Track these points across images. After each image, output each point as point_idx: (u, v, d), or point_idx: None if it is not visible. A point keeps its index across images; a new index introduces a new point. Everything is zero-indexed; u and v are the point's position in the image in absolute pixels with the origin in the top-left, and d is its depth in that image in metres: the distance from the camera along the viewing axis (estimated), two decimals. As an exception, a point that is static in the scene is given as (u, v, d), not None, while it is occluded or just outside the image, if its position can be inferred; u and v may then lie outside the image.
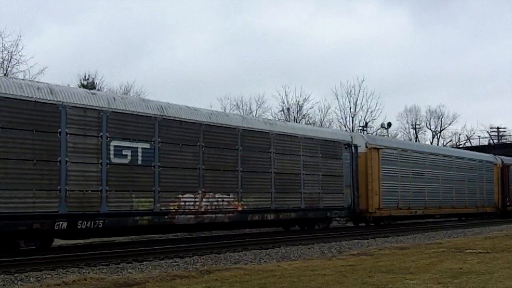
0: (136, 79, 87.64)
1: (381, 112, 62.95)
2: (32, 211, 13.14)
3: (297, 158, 21.04)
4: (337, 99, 59.48)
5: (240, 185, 18.52)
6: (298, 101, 50.57)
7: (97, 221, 14.47)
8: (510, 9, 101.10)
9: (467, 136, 67.94)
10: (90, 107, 14.52)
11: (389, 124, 50.17)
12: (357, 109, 52.13)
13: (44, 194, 13.36)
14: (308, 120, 50.06)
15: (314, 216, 21.85)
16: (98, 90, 37.95)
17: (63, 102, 13.95)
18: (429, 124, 66.66)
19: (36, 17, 72.66)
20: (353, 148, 24.00)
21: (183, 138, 16.81)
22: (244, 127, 18.93)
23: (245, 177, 18.74)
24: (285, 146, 20.53)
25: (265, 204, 19.46)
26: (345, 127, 51.01)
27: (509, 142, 60.85)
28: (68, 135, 13.97)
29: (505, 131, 68.06)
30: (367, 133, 51.61)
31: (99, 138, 14.67)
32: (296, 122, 46.12)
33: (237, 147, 18.56)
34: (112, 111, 15.02)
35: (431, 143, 63.57)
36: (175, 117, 16.67)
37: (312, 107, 65.53)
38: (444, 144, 64.74)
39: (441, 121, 66.40)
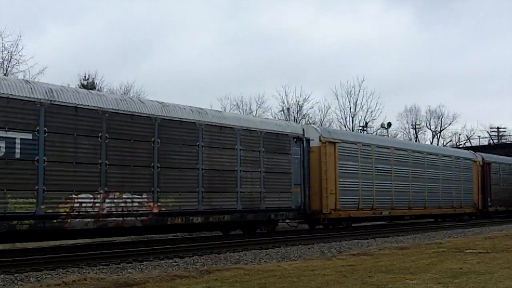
0: (137, 79, 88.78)
1: (381, 112, 62.82)
2: None
3: (233, 153, 18.46)
4: (337, 99, 59.12)
5: (157, 184, 15.94)
6: (298, 101, 50.48)
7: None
8: (510, 9, 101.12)
9: (467, 136, 67.90)
10: None
11: (389, 124, 50.10)
12: (357, 109, 52.06)
13: None
14: (308, 120, 49.99)
15: (254, 218, 19.28)
16: (98, 90, 37.55)
17: None
18: (429, 124, 66.58)
19: (37, 17, 72.99)
20: (304, 142, 21.43)
21: (79, 127, 14.21)
22: (163, 116, 16.35)
23: (164, 174, 16.16)
24: (218, 138, 17.96)
25: (190, 205, 16.89)
26: (345, 127, 50.80)
27: (509, 142, 60.46)
28: None
29: (505, 131, 68.34)
30: (368, 130, 50.76)
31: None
32: (296, 122, 44.31)
33: (153, 139, 15.98)
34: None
35: (431, 143, 62.90)
36: (68, 102, 14.07)
37: (312, 107, 65.27)
38: (444, 144, 64.14)
39: (441, 121, 66.35)
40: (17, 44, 34.17)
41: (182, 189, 16.66)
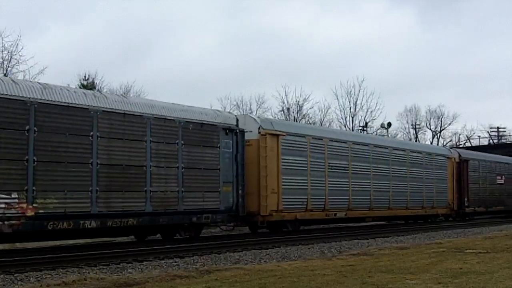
0: (137, 79, 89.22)
1: (381, 112, 62.07)
2: None
3: (141, 145, 15.74)
4: (337, 99, 58.72)
5: (32, 181, 13.21)
6: (298, 101, 50.66)
7: None
8: (510, 9, 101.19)
9: (467, 136, 68.02)
10: None
11: (389, 124, 49.96)
12: (357, 109, 52.32)
13: None
14: (308, 120, 50.08)
15: (170, 222, 16.54)
16: (98, 90, 37.16)
17: None
18: (429, 124, 66.80)
19: (37, 17, 72.84)
20: (238, 133, 18.72)
21: None
22: (43, 100, 13.61)
23: (43, 169, 13.43)
24: (121, 128, 15.22)
25: (80, 207, 14.15)
26: (345, 127, 50.74)
27: (509, 142, 60.39)
28: None
29: (505, 131, 68.60)
30: (368, 130, 49.54)
31: None
32: (296, 122, 43.31)
33: (27, 127, 13.26)
34: None
35: (431, 143, 62.34)
36: None
37: (312, 107, 64.82)
38: (444, 144, 63.36)
39: (441, 121, 66.54)
40: (17, 44, 33.78)
41: (69, 187, 13.91)
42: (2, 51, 33.05)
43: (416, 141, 59.27)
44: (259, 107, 52.36)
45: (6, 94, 12.94)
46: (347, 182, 23.46)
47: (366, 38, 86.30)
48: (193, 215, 17.05)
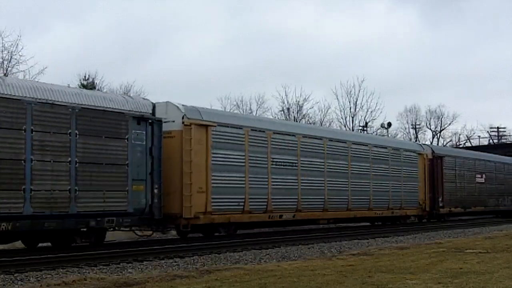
0: (137, 79, 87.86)
1: (381, 112, 60.65)
2: None
3: (19, 135, 13.06)
4: (337, 99, 56.42)
5: None
6: (298, 101, 50.67)
7: None
8: (510, 9, 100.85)
9: (467, 136, 68.23)
10: None
11: (389, 124, 49.60)
12: (357, 109, 52.44)
13: None
14: (308, 120, 50.14)
15: (60, 226, 13.84)
16: (97, 90, 37.27)
17: None
18: (429, 124, 67.00)
19: (37, 17, 72.54)
20: (154, 123, 16.06)
21: None
22: None
23: None
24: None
25: None
26: (345, 127, 50.80)
27: (509, 142, 60.72)
28: None
29: (505, 131, 68.99)
30: (368, 130, 49.10)
31: None
32: (296, 122, 42.69)
33: None
34: None
35: (431, 143, 61.15)
36: None
37: (312, 107, 62.93)
38: (444, 144, 63.51)
39: (441, 121, 66.80)
40: (17, 44, 33.74)
41: None
42: (2, 51, 33.16)
43: (416, 141, 57.63)
44: (259, 107, 52.55)
45: None
46: (296, 180, 20.77)
47: (366, 38, 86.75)
48: (91, 218, 14.36)
